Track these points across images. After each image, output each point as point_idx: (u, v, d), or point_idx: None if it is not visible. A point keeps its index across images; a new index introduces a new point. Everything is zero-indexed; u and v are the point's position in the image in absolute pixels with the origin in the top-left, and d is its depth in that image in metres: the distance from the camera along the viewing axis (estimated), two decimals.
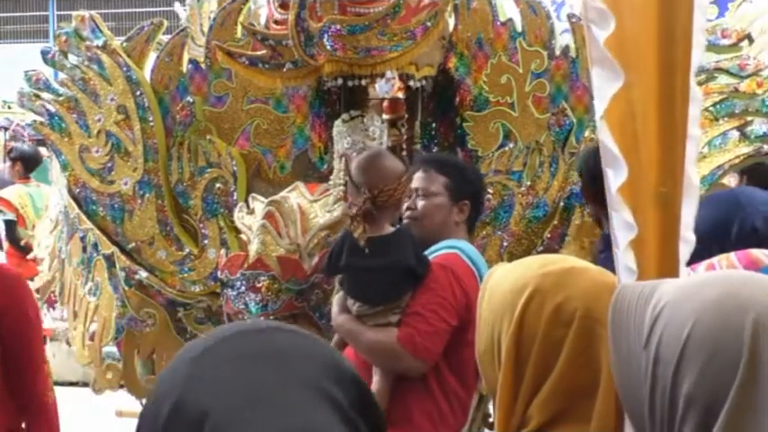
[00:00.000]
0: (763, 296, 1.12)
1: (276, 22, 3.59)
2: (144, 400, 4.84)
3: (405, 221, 3.38)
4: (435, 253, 3.24)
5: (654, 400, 1.14)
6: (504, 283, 1.53)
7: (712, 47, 3.99)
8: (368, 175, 3.13)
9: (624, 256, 1.40)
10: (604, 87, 1.38)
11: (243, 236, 3.69)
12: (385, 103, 4.13)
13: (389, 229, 3.14)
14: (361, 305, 3.16)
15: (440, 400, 3.13)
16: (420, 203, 3.36)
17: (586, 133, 3.91)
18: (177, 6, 5.06)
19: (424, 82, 3.81)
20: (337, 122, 3.79)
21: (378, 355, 3.11)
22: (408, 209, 3.37)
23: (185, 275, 4.11)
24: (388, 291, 3.13)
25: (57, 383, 9.33)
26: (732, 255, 1.74)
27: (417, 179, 3.40)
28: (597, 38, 1.39)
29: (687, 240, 1.41)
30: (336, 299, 3.27)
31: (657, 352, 1.14)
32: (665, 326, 1.14)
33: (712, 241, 1.83)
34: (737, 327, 1.10)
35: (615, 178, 1.39)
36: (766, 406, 1.06)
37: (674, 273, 1.39)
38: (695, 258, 1.64)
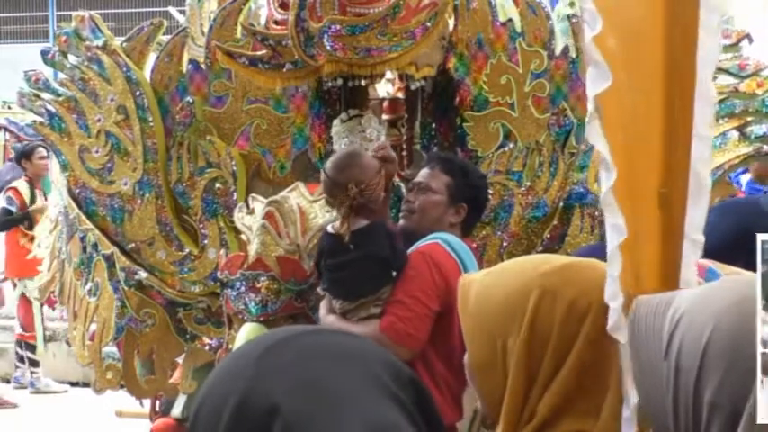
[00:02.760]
0: None
1: (276, 23, 3.59)
2: (143, 400, 4.84)
3: (401, 214, 3.44)
4: (419, 244, 3.28)
5: (678, 409, 1.14)
6: (496, 291, 1.50)
7: None
8: (352, 171, 3.22)
9: (611, 263, 1.39)
10: (593, 88, 1.38)
11: (243, 236, 3.69)
12: (385, 104, 4.13)
13: (364, 222, 3.22)
14: (342, 302, 3.21)
15: (430, 388, 3.14)
16: (418, 198, 3.41)
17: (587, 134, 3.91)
18: (171, 9, 5.06)
19: (423, 82, 3.82)
20: (335, 122, 3.80)
21: None
22: (407, 201, 3.43)
23: (185, 276, 4.11)
24: (363, 283, 3.21)
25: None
26: None
27: (422, 175, 3.47)
28: (586, 37, 1.39)
29: (695, 241, 1.40)
30: (324, 301, 3.33)
31: (678, 361, 1.14)
32: (683, 334, 1.14)
33: (739, 250, 1.81)
34: (756, 329, 1.09)
35: (606, 180, 1.39)
36: None
37: (674, 274, 1.39)
38: None
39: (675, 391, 1.14)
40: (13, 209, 8.54)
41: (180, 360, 4.41)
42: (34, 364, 8.79)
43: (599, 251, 1.49)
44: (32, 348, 8.73)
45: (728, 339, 1.10)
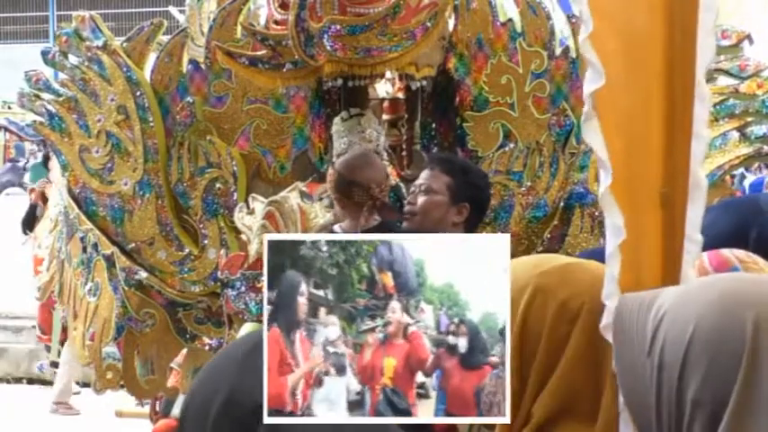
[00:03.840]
0: (762, 294, 1.12)
1: (276, 23, 3.59)
2: (147, 401, 4.84)
3: (403, 216, 3.44)
4: None
5: (660, 406, 1.14)
6: None
7: None
8: (370, 171, 3.22)
9: (610, 262, 1.38)
10: (589, 87, 1.38)
11: (243, 236, 3.69)
12: (385, 104, 4.13)
13: (375, 222, 3.22)
14: None
15: None
16: (420, 199, 3.41)
17: None
18: (171, 9, 5.06)
19: (423, 82, 3.82)
20: (336, 120, 3.80)
21: None
22: (408, 203, 3.43)
23: (185, 276, 4.11)
24: None
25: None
26: (704, 254, 1.73)
27: (423, 176, 3.46)
28: (581, 36, 1.39)
29: (695, 240, 1.40)
30: None
31: (661, 358, 1.14)
32: (666, 331, 1.14)
33: (736, 247, 1.81)
34: (738, 326, 1.09)
35: (604, 180, 1.39)
36: (767, 405, 1.06)
37: (676, 274, 1.39)
38: None
39: (658, 388, 1.14)
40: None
41: (175, 365, 4.41)
42: (54, 365, 8.84)
43: (599, 254, 1.49)
44: (50, 349, 8.79)
45: (711, 335, 1.10)
